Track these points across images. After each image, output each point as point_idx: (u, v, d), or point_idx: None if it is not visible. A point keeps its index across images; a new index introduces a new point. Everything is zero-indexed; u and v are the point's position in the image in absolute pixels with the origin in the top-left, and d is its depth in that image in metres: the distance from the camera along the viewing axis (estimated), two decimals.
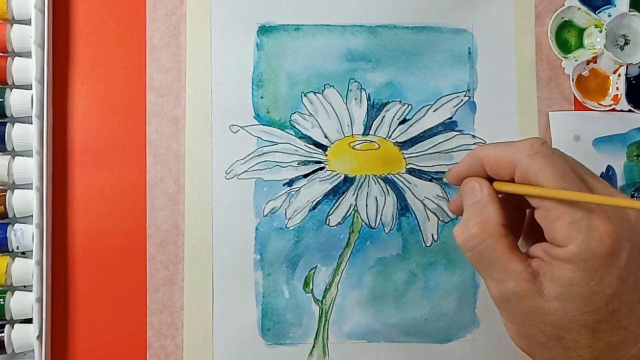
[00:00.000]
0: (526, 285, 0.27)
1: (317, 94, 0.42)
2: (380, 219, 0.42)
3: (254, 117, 0.42)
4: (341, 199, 0.42)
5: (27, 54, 0.40)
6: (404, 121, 0.42)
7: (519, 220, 0.33)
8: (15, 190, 0.40)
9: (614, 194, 0.28)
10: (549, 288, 0.27)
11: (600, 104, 0.43)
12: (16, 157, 0.40)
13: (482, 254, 0.29)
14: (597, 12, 0.43)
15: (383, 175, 0.42)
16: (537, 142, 0.28)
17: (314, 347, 0.41)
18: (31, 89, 0.39)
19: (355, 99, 0.42)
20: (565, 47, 0.43)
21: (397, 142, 0.42)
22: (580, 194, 0.26)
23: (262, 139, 0.42)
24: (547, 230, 0.28)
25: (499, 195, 0.30)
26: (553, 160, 0.28)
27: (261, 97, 0.42)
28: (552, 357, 0.28)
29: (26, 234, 0.40)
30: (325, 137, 0.42)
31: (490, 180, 0.31)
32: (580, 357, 0.27)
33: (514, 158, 0.28)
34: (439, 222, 0.42)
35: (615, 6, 0.43)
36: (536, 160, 0.28)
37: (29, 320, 0.39)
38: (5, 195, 0.39)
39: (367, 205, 0.41)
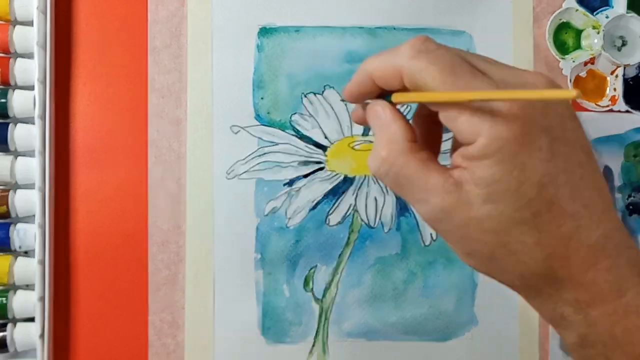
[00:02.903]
0: (451, 198, 0.25)
1: (317, 95, 0.42)
2: (380, 218, 0.42)
3: (255, 117, 0.42)
4: (341, 198, 0.42)
5: (30, 55, 0.40)
6: None
7: (437, 135, 0.30)
8: (18, 190, 0.40)
9: (513, 74, 0.26)
10: (475, 193, 0.24)
11: (598, 105, 0.43)
12: (19, 158, 0.40)
13: (397, 176, 0.26)
14: (594, 13, 0.43)
15: None
16: (419, 41, 0.26)
17: (314, 345, 0.41)
18: (33, 89, 0.40)
19: None
20: (563, 49, 0.44)
21: None
22: (469, 93, 0.24)
23: (262, 140, 0.42)
24: (454, 131, 0.25)
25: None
26: (438, 56, 0.25)
27: (262, 98, 0.42)
28: (506, 268, 0.25)
29: (29, 234, 0.40)
30: (325, 137, 0.42)
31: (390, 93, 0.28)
32: (532, 258, 0.24)
33: (397, 64, 0.26)
34: None
35: (612, 8, 0.43)
36: (420, 61, 0.25)
37: (31, 319, 0.39)
38: (7, 195, 0.40)
39: (366, 205, 0.42)
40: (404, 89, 0.27)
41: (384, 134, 0.27)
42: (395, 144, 0.26)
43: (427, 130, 0.29)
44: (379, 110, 0.28)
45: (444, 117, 0.25)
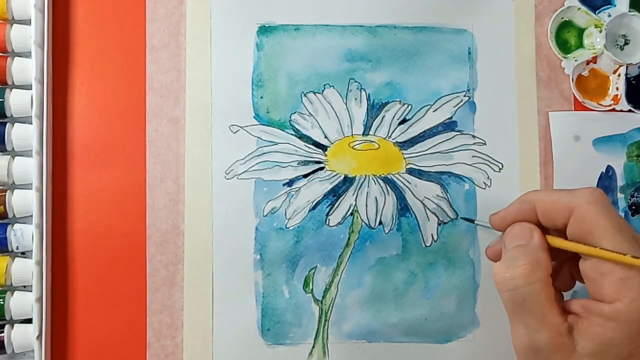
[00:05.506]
0: (560, 339, 0.27)
1: (317, 94, 0.42)
2: (380, 219, 0.42)
3: (254, 117, 0.42)
4: (341, 199, 0.41)
5: (27, 54, 0.40)
6: (403, 121, 0.42)
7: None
8: (15, 191, 0.40)
9: None
10: (582, 345, 0.26)
11: (600, 104, 0.43)
12: (16, 157, 0.40)
13: (523, 296, 0.28)
14: (597, 12, 0.43)
15: (383, 175, 0.42)
16: (597, 191, 0.28)
17: (313, 347, 0.41)
18: (31, 89, 0.39)
19: (355, 99, 0.42)
20: (565, 47, 0.43)
21: (397, 142, 0.42)
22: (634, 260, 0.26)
23: (262, 139, 0.42)
24: (594, 283, 0.27)
25: None
26: (612, 212, 0.28)
27: (261, 97, 0.42)
28: None
29: (26, 234, 0.39)
30: (325, 137, 0.42)
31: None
32: None
33: (571, 203, 0.28)
34: (439, 222, 0.42)
35: (615, 6, 0.43)
36: (595, 208, 0.27)
37: (28, 320, 0.39)
38: (5, 195, 0.39)
39: (367, 206, 0.41)
40: (560, 227, 0.29)
41: (528, 255, 0.29)
42: (537, 269, 0.28)
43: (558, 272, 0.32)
44: (526, 230, 0.30)
45: (591, 267, 0.27)
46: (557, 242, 0.30)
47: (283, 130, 0.42)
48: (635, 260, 0.26)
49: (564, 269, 0.33)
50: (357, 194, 0.42)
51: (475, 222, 0.40)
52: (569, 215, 0.28)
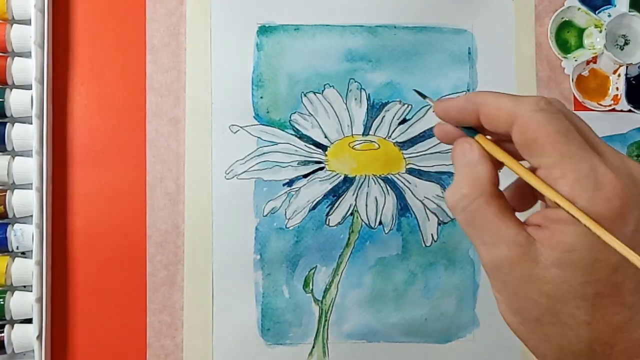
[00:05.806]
0: (519, 250, 0.25)
1: (317, 94, 0.42)
2: (380, 219, 0.42)
3: (254, 117, 0.42)
4: (341, 199, 0.41)
5: (27, 54, 0.40)
6: (403, 121, 0.42)
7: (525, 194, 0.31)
8: (15, 191, 0.40)
9: (620, 158, 0.26)
10: (546, 254, 0.24)
11: (600, 104, 0.43)
12: (16, 157, 0.40)
13: (472, 214, 0.26)
14: (597, 12, 0.43)
15: (383, 175, 0.42)
16: (543, 100, 0.26)
17: (313, 347, 0.41)
18: (31, 89, 0.39)
19: (355, 99, 0.42)
20: (565, 47, 0.43)
21: (397, 142, 0.42)
22: (558, 195, 0.24)
23: (262, 139, 0.42)
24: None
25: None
26: (558, 118, 0.25)
27: (261, 97, 0.42)
28: (547, 336, 0.25)
29: (26, 234, 0.39)
30: (325, 137, 0.42)
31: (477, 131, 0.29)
32: (578, 336, 0.25)
33: (516, 110, 0.26)
34: (439, 222, 0.42)
35: (615, 6, 0.43)
36: (540, 115, 0.25)
37: (28, 320, 0.39)
38: (5, 195, 0.39)
39: (367, 205, 0.41)
40: (503, 134, 0.27)
41: (468, 172, 0.27)
42: (478, 184, 0.27)
43: (517, 187, 0.30)
44: (466, 147, 0.28)
45: (543, 176, 0.26)
46: (494, 151, 0.28)
47: (283, 130, 0.42)
48: (571, 206, 0.24)
49: (522, 184, 0.30)
50: (357, 194, 0.42)
51: (426, 98, 0.37)
52: (511, 123, 0.26)
